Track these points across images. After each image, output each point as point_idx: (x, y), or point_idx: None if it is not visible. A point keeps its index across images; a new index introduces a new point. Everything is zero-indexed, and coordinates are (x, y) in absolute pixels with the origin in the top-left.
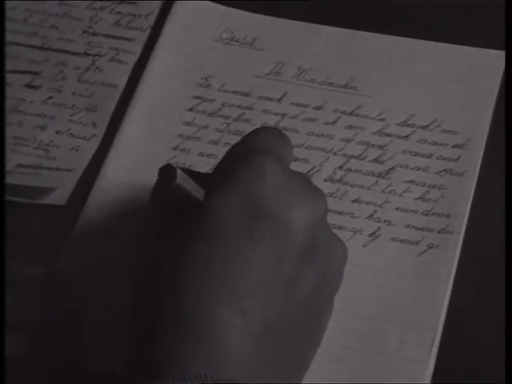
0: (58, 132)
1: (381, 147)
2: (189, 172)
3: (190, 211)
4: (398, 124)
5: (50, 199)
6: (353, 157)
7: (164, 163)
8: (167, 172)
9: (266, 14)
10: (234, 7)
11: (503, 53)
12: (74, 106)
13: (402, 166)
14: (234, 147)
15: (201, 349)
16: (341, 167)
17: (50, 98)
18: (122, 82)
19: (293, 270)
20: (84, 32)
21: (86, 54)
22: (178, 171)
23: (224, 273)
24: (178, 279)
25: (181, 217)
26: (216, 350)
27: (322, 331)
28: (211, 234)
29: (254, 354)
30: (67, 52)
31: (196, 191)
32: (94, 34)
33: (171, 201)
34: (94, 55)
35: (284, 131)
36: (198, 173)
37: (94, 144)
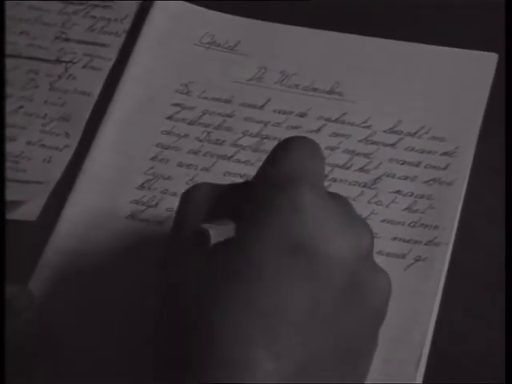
0: (28, 143)
1: (367, 156)
2: (212, 187)
3: (223, 247)
4: (384, 131)
5: (19, 214)
6: (337, 166)
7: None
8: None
9: (249, 16)
10: (214, 9)
11: (495, 55)
12: (45, 115)
13: (388, 176)
14: (266, 170)
15: None
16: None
17: (21, 107)
18: (96, 89)
19: (331, 310)
20: (56, 38)
21: (58, 61)
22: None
23: (259, 313)
24: (212, 318)
25: (213, 253)
26: None
27: (366, 367)
28: (246, 271)
29: None
30: (39, 59)
31: (227, 231)
32: (66, 39)
33: None
34: (67, 62)
35: (266, 140)
36: (223, 187)
37: (67, 155)
